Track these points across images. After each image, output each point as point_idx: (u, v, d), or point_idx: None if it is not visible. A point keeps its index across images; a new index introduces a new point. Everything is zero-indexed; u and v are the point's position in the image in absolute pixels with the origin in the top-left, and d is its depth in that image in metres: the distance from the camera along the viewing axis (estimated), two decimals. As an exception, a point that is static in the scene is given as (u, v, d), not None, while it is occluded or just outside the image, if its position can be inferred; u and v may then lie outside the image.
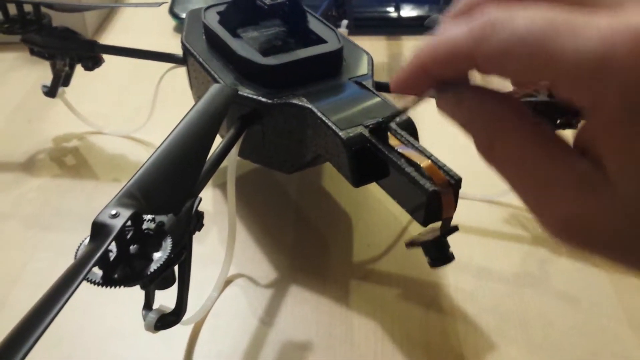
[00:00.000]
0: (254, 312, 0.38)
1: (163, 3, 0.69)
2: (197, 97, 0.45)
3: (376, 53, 0.42)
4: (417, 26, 0.70)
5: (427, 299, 0.39)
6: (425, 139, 0.34)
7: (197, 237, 0.31)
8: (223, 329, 0.37)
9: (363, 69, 0.40)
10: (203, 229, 0.32)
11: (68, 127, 0.55)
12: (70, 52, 0.48)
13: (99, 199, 0.47)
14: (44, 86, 0.51)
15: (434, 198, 0.29)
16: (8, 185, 0.49)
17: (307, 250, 0.43)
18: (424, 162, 0.30)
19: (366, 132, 0.33)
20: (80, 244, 0.26)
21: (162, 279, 0.30)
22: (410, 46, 0.68)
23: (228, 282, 0.40)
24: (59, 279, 0.23)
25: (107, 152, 0.52)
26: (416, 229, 0.44)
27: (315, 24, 0.42)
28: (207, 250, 0.42)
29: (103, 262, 0.25)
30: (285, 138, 0.38)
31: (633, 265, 0.18)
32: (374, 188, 0.45)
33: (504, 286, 0.40)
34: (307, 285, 0.40)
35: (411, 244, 0.32)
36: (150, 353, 0.36)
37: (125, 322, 0.38)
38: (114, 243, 0.25)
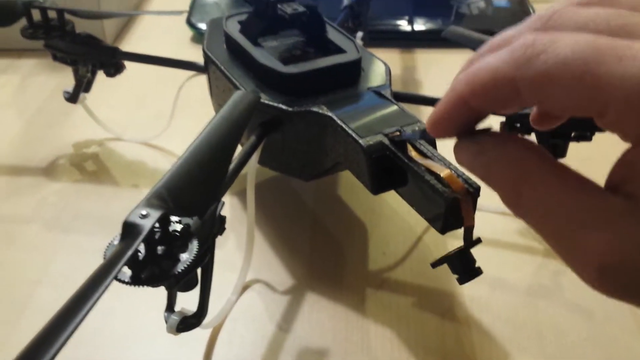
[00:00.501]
0: (271, 318, 0.39)
1: (184, 12, 0.71)
2: (217, 104, 0.46)
3: (390, 65, 0.42)
4: (429, 39, 0.71)
5: (442, 308, 0.39)
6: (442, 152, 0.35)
7: (215, 242, 0.31)
8: (240, 333, 0.38)
9: (381, 78, 0.41)
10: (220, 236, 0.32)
11: (88, 133, 0.55)
12: (93, 58, 0.49)
13: (117, 204, 0.48)
14: (66, 92, 0.51)
15: (452, 205, 0.29)
16: (29, 189, 0.49)
17: (324, 257, 0.43)
18: (444, 171, 0.30)
19: (386, 140, 0.33)
20: (109, 243, 0.26)
21: (185, 281, 0.30)
22: (423, 59, 0.68)
23: (245, 288, 0.41)
24: (90, 277, 0.23)
25: (126, 158, 0.53)
26: (431, 239, 0.44)
27: (333, 34, 0.43)
28: (225, 255, 0.42)
29: (132, 262, 0.26)
30: (305, 145, 0.39)
31: None
32: (389, 197, 0.46)
33: (518, 297, 0.40)
34: (323, 292, 0.40)
35: (437, 263, 0.31)
36: (169, 356, 0.37)
37: (143, 326, 0.38)
38: (141, 243, 0.26)
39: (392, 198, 0.42)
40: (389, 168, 0.33)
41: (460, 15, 0.74)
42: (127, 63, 0.51)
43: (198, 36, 0.73)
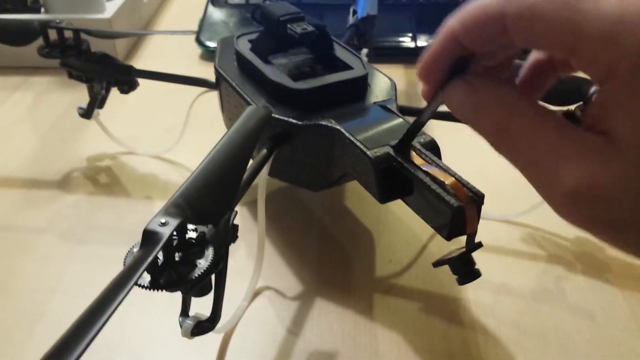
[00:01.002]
0: (281, 323, 0.40)
1: (195, 32, 0.73)
2: (228, 119, 0.48)
3: (394, 80, 0.44)
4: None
5: (448, 312, 0.41)
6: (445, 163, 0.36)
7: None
8: (252, 338, 0.39)
9: (387, 93, 0.42)
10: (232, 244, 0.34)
11: (101, 148, 0.57)
12: (108, 76, 0.51)
13: (130, 215, 0.49)
14: (80, 108, 0.53)
15: (458, 213, 0.30)
16: (44, 202, 0.51)
17: (332, 265, 0.44)
18: (449, 180, 0.31)
19: (392, 152, 0.35)
20: (129, 251, 0.28)
21: (200, 286, 0.31)
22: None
23: (256, 294, 0.42)
24: (112, 282, 0.24)
25: (138, 171, 0.55)
26: (436, 246, 0.46)
27: (340, 52, 0.45)
28: (236, 263, 0.44)
29: (152, 268, 0.27)
30: (314, 157, 0.41)
31: (634, 248, 0.18)
32: (394, 206, 0.47)
33: (522, 301, 0.41)
34: (332, 298, 0.42)
35: (438, 263, 0.33)
36: (184, 360, 0.38)
37: (158, 331, 0.39)
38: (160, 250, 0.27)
39: (397, 207, 0.44)
40: (396, 178, 0.34)
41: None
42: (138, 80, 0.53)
43: (207, 54, 0.75)
